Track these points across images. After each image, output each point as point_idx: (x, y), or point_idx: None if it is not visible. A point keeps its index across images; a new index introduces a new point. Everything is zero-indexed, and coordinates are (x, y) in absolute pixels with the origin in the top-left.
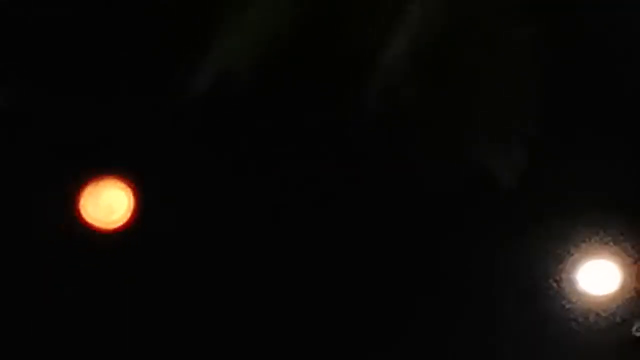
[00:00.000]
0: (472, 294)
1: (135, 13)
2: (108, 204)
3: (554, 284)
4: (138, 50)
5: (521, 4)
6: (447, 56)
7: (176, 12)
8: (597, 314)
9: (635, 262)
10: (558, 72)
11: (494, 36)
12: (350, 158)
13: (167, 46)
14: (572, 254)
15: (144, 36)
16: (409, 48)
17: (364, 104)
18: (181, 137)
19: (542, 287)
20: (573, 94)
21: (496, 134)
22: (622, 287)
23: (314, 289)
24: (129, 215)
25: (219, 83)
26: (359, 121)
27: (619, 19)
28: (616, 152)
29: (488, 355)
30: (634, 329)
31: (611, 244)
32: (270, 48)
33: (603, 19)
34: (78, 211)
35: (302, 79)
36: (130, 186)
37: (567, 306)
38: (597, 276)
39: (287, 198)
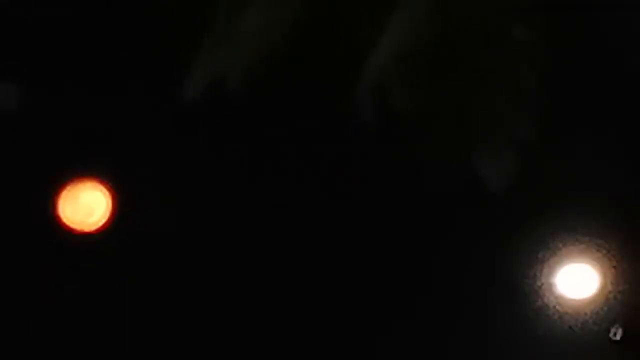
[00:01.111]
0: (454, 295)
1: (134, 14)
2: (87, 205)
3: (533, 287)
4: (132, 52)
5: (521, 4)
6: (445, 57)
7: (174, 13)
8: (575, 317)
9: (613, 266)
10: (558, 72)
11: (495, 35)
12: (347, 159)
13: (162, 47)
14: (551, 257)
15: (140, 37)
16: (406, 48)
17: (360, 105)
18: (162, 137)
19: (521, 291)
20: (571, 94)
21: (494, 134)
22: (601, 291)
23: (309, 290)
24: (107, 217)
25: (212, 84)
26: (356, 122)
27: (619, 19)
28: (608, 156)
29: (467, 356)
30: (611, 333)
31: (590, 247)
32: (268, 49)
33: (603, 19)
34: (57, 213)
35: (300, 80)
36: (108, 188)
37: (546, 309)
38: (575, 280)
39: (283, 199)
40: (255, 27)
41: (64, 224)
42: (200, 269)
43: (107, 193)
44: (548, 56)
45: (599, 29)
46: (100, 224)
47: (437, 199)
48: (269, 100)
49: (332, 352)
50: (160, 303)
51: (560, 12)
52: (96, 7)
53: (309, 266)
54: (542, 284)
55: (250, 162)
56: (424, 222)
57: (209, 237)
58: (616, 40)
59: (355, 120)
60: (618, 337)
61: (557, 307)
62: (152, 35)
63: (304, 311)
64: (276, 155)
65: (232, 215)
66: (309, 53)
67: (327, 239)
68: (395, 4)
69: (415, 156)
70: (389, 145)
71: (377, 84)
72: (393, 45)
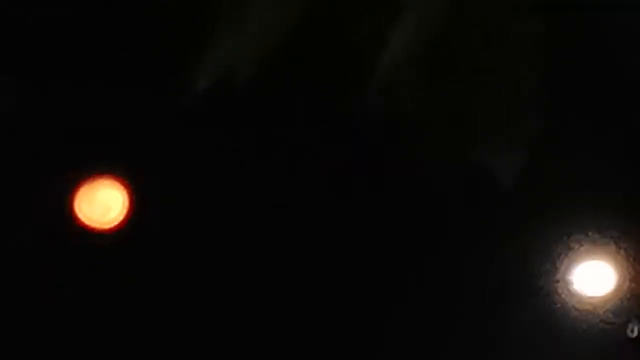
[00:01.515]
0: (467, 293)
1: (135, 12)
2: (104, 203)
3: (549, 285)
4: (136, 50)
5: (521, 4)
6: (446, 57)
7: (176, 11)
8: (592, 315)
9: (630, 263)
10: (559, 72)
11: (495, 35)
12: (349, 158)
13: (165, 46)
14: (567, 255)
15: (142, 35)
16: (409, 47)
17: (364, 103)
18: (178, 135)
19: (537, 288)
20: (572, 94)
21: (495, 134)
22: (617, 288)
23: (312, 288)
24: (124, 214)
25: (217, 83)
26: (358, 122)
27: (619, 19)
28: (613, 153)
29: (483, 355)
30: (628, 330)
31: (606, 245)
32: (270, 47)
33: (603, 19)
34: (73, 211)
35: (302, 78)
36: (125, 185)
37: (562, 307)
38: (592, 277)
39: (287, 197)
40: (259, 26)
41: (81, 222)
42: (216, 266)
43: (123, 191)
44: (548, 56)
45: (599, 29)
46: (117, 221)
47: (445, 197)
48: (270, 99)
49: (335, 352)
50: (177, 300)
51: (560, 12)
52: (96, 7)
53: (308, 265)
54: (559, 281)
55: (259, 160)
56: (430, 220)
57: (227, 234)
58: (616, 40)
59: (356, 120)
60: (635, 334)
61: (574, 304)
62: (157, 33)
63: (305, 309)
64: (277, 154)
65: (247, 212)
66: (311, 53)
67: (328, 238)
68: (398, 5)
69: (417, 156)
70: (390, 145)
71: (379, 84)
72: (395, 46)
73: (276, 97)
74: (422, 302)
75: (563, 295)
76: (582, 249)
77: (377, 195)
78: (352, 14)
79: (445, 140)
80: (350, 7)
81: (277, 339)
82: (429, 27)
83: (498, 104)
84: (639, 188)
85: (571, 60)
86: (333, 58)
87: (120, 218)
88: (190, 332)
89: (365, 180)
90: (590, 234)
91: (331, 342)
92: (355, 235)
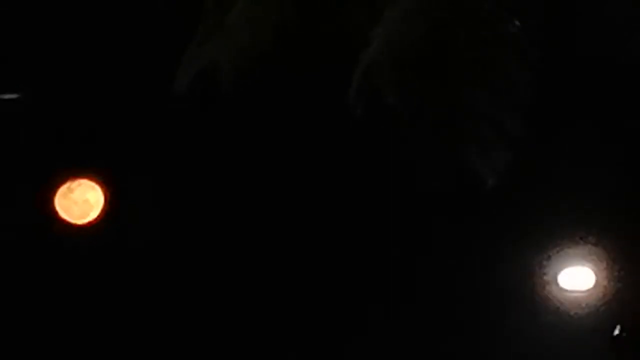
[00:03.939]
0: (454, 295)
1: (123, 14)
2: (82, 200)
3: (535, 287)
4: (116, 53)
5: (513, 2)
6: (436, 54)
7: (164, 12)
8: (576, 316)
9: (611, 266)
10: (548, 70)
11: (485, 34)
12: (337, 154)
13: (145, 48)
14: (552, 258)
15: (122, 39)
16: (398, 45)
17: (351, 101)
18: (155, 135)
19: (523, 290)
20: (558, 98)
21: (479, 133)
22: (599, 290)
23: (299, 288)
24: (101, 211)
25: (198, 83)
26: (346, 118)
27: (612, 19)
28: (600, 161)
29: (472, 354)
30: (615, 332)
31: (588, 249)
32: (257, 45)
33: (596, 18)
34: (54, 208)
35: (290, 75)
36: (105, 183)
37: (548, 308)
38: (575, 280)
39: (273, 198)
40: (245, 23)
41: (60, 218)
42: (191, 261)
43: (103, 188)
44: (539, 54)
45: (592, 28)
46: (95, 217)
47: (433, 199)
48: (257, 99)
49: (315, 350)
50: (152, 294)
51: (552, 10)
52: (84, 8)
53: (298, 264)
54: (545, 284)
55: (240, 157)
56: (418, 222)
57: (201, 230)
58: (608, 38)
59: (345, 116)
60: (617, 332)
61: (559, 305)
62: (142, 34)
63: (292, 309)
64: (266, 150)
65: (223, 208)
66: (298, 49)
67: (315, 236)
68: (381, 4)
69: (402, 156)
70: (379, 141)
71: (368, 80)
72: (384, 42)
73: (263, 97)
74: (419, 302)
75: (549, 297)
76: (566, 253)
77: (368, 192)
78: (335, 14)
79: (431, 140)
80: (334, 6)
81: (262, 340)
82: (413, 25)
83: (489, 102)
84: (613, 191)
85: (562, 58)
86: (322, 54)
87: (98, 214)
88: (167, 325)
89: (355, 176)
90: (574, 238)
91: (315, 342)
92: (344, 232)
